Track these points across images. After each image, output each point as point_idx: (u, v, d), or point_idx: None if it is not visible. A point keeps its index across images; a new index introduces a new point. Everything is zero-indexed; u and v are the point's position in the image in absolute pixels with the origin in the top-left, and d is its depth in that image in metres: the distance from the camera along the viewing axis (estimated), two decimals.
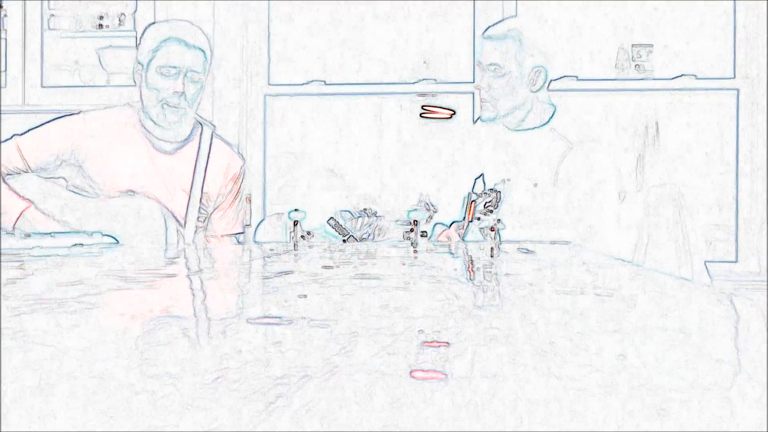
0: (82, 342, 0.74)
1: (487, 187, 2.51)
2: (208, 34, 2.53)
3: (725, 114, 3.10)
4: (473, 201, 2.39)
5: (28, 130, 2.44)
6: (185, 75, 2.42)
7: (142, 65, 2.46)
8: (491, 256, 1.91)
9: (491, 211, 2.36)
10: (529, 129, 2.54)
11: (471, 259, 1.82)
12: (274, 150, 3.22)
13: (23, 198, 2.38)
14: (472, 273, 1.53)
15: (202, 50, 2.46)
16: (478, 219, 2.38)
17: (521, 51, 2.51)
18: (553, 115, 2.55)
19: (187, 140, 2.50)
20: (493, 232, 2.26)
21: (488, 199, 2.36)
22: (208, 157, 2.51)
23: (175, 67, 2.42)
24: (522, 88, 2.52)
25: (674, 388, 0.59)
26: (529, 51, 2.51)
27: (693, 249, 2.43)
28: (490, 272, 1.51)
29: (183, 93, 2.42)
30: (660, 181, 3.04)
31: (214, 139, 2.55)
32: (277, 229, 2.71)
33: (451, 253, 2.02)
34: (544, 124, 2.54)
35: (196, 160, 2.50)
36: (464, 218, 2.51)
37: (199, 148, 2.51)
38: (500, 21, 2.72)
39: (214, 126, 2.60)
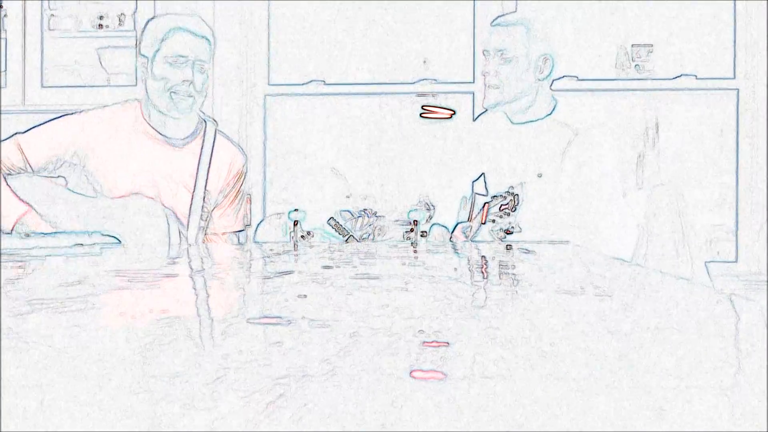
0: (82, 342, 0.74)
1: (488, 185, 2.51)
2: (210, 25, 2.53)
3: (725, 114, 3.10)
4: (486, 203, 2.37)
5: (30, 129, 2.43)
6: (193, 64, 2.42)
7: (147, 57, 2.45)
8: (508, 249, 1.91)
9: (508, 214, 2.34)
10: (531, 121, 2.54)
11: (485, 259, 1.82)
12: (274, 150, 3.22)
13: (22, 201, 2.37)
14: (485, 272, 1.53)
15: (207, 39, 2.46)
16: (493, 221, 2.35)
17: (529, 38, 2.51)
18: (554, 109, 2.55)
19: (191, 136, 2.50)
20: (509, 235, 2.25)
21: (504, 202, 2.34)
22: (212, 153, 2.51)
23: (184, 56, 2.41)
24: (529, 74, 2.52)
25: (674, 388, 0.59)
26: (537, 39, 2.51)
27: (693, 249, 2.43)
28: (507, 273, 1.51)
29: (192, 82, 2.42)
30: (660, 181, 3.04)
31: (218, 136, 2.55)
32: (277, 229, 2.70)
33: (457, 253, 2.02)
34: (548, 116, 2.54)
35: (200, 157, 2.49)
36: (468, 219, 2.50)
37: (203, 144, 2.50)
38: (510, 13, 2.73)
39: (217, 122, 2.60)
